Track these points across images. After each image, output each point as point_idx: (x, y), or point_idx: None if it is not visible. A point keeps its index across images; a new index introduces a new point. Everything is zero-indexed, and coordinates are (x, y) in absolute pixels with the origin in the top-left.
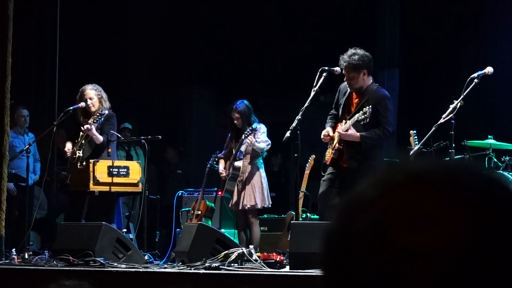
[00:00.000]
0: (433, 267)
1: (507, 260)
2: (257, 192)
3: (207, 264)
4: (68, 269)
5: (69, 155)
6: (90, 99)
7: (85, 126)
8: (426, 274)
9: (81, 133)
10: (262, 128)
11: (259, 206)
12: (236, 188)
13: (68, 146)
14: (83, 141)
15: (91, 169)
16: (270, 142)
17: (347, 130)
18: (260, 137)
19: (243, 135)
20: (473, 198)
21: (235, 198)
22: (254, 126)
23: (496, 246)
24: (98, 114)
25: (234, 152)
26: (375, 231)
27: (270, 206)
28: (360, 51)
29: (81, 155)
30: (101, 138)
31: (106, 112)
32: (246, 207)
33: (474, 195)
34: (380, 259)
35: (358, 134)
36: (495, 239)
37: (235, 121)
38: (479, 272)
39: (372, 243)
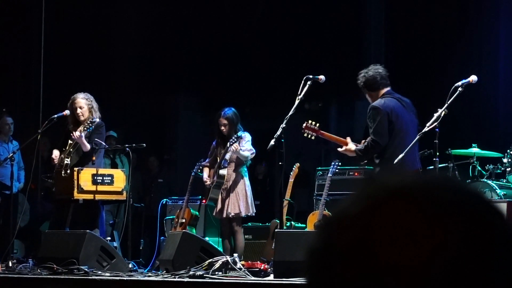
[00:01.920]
0: (416, 283)
1: (488, 272)
2: (241, 200)
3: (191, 273)
4: (52, 278)
5: (56, 162)
6: (80, 108)
7: (76, 134)
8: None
9: (69, 141)
10: (247, 137)
11: (243, 214)
12: (220, 196)
13: (55, 153)
14: (71, 149)
15: (75, 177)
16: (254, 151)
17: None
18: (244, 146)
19: (228, 143)
20: (452, 212)
21: (219, 206)
22: (239, 134)
23: (477, 259)
24: (89, 121)
25: (219, 160)
26: (358, 249)
27: (254, 214)
28: (364, 70)
29: (68, 162)
30: (88, 146)
31: (97, 120)
32: (230, 215)
33: (453, 209)
34: (364, 277)
35: (353, 148)
36: (475, 252)
37: (222, 128)
38: (462, 283)
39: (356, 261)
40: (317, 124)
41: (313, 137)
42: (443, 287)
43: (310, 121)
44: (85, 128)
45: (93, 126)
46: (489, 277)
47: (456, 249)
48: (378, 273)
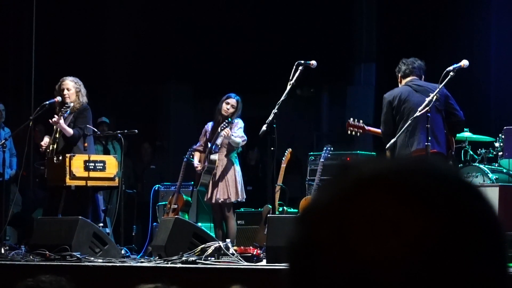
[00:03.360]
0: (399, 274)
1: (473, 260)
2: (230, 186)
3: (184, 258)
4: (45, 264)
5: (43, 149)
6: (68, 90)
7: (53, 119)
8: (395, 279)
9: (55, 127)
10: (239, 123)
11: (232, 200)
12: (210, 181)
13: (45, 140)
14: (57, 135)
15: (67, 163)
16: (246, 138)
17: None
18: (236, 132)
19: (219, 128)
20: (432, 198)
21: (209, 192)
22: (230, 119)
23: (461, 246)
24: (65, 107)
25: (210, 145)
26: (337, 242)
27: (244, 200)
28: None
29: (54, 148)
30: (70, 131)
31: (72, 104)
32: (220, 201)
33: (433, 195)
34: (345, 270)
35: None
36: (459, 240)
37: (229, 108)
38: (446, 271)
39: (335, 255)
40: (361, 121)
41: (358, 134)
42: (427, 278)
43: (352, 119)
44: (60, 114)
45: (68, 111)
46: (474, 265)
47: (439, 237)
48: (360, 266)
